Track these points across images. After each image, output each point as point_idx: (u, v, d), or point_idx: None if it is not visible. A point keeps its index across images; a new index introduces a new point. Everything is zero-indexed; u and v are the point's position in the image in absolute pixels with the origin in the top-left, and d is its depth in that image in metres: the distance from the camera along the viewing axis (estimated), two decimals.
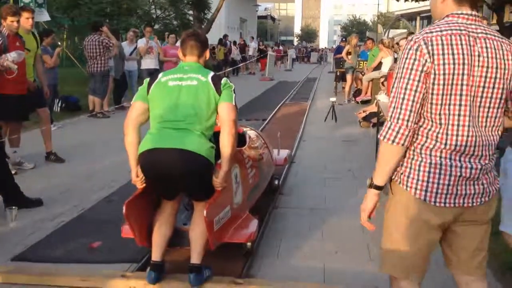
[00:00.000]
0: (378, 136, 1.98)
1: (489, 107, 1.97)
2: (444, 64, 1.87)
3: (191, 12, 21.02)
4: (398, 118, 1.93)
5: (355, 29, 69.87)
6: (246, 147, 4.14)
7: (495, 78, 1.93)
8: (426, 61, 1.89)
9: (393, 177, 2.09)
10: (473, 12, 1.97)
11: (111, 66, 10.36)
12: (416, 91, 1.91)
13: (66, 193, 5.16)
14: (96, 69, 9.79)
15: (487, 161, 2.03)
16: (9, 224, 4.23)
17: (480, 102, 1.94)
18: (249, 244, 3.62)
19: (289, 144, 7.63)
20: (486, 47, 1.92)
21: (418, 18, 54.45)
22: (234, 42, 25.31)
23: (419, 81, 1.90)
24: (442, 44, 1.89)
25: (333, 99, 9.70)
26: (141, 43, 10.30)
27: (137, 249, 3.72)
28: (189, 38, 3.24)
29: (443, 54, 1.88)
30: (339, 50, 17.07)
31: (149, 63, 10.30)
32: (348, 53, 13.29)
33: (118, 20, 15.03)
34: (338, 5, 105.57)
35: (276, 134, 5.89)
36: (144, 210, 3.32)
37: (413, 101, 1.92)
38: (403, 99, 1.93)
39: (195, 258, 3.18)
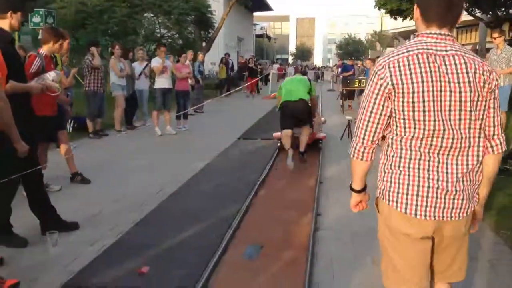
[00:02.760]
0: None
1: (460, 117, 2.00)
2: (412, 83, 1.95)
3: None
4: (356, 136, 2.13)
5: (351, 47, 70.49)
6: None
7: (469, 91, 1.97)
8: (387, 83, 1.98)
9: (377, 195, 2.21)
10: (442, 31, 2.02)
11: (118, 84, 10.31)
12: (371, 112, 2.05)
13: (98, 216, 5.07)
14: (84, 88, 9.77)
15: (465, 167, 2.04)
16: (49, 250, 4.13)
17: (449, 114, 1.98)
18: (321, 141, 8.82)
19: (310, 162, 7.60)
20: (455, 63, 1.97)
21: (411, 36, 55.04)
22: (255, 62, 26.12)
23: (374, 103, 2.03)
24: (409, 64, 1.96)
25: (349, 117, 9.70)
26: (155, 62, 10.23)
27: (186, 274, 3.65)
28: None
29: (411, 73, 1.95)
30: (346, 68, 17.21)
31: (163, 82, 10.24)
32: None
33: (124, 39, 15.00)
34: (332, 24, 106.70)
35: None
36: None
37: (368, 121, 2.06)
38: (361, 118, 2.09)
39: (302, 147, 7.60)
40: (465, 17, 29.54)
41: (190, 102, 12.24)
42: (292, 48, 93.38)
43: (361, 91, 14.82)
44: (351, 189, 2.34)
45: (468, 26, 42.77)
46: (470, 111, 1.99)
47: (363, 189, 2.33)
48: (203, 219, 4.94)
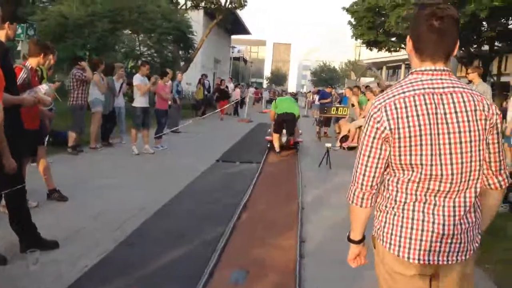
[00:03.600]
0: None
1: (462, 160, 1.93)
2: (409, 126, 1.89)
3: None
4: (354, 181, 2.05)
5: (325, 75, 71.62)
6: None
7: (468, 131, 1.91)
8: (385, 128, 1.92)
9: (373, 233, 2.12)
10: (437, 67, 1.96)
11: (100, 100, 10.17)
12: (369, 156, 1.98)
13: (78, 234, 4.94)
14: (70, 102, 9.50)
15: (462, 208, 1.97)
16: (30, 268, 3.99)
17: (451, 158, 1.91)
18: (298, 144, 12.13)
19: (290, 188, 7.62)
20: (453, 102, 1.91)
21: (384, 67, 56.41)
22: (238, 85, 27.53)
23: (371, 147, 1.97)
24: (406, 107, 1.90)
25: (328, 144, 9.79)
26: (139, 80, 10.11)
27: None
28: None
29: (407, 116, 1.89)
30: (323, 95, 17.43)
31: (143, 101, 10.15)
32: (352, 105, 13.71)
33: (103, 55, 14.88)
34: (307, 50, 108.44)
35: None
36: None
37: (365, 165, 2.00)
38: (358, 163, 2.03)
39: (286, 144, 11.68)
40: None
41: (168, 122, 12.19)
42: (267, 72, 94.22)
43: (338, 119, 15.05)
44: (349, 240, 2.21)
45: None
46: (471, 151, 1.93)
47: (362, 240, 2.20)
48: (187, 241, 4.88)
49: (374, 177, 2.01)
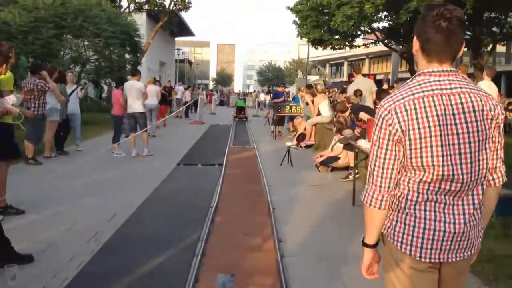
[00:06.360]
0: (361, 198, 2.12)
1: (471, 159, 1.96)
2: (419, 128, 1.91)
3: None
4: (372, 183, 2.04)
5: (270, 74, 72.17)
6: None
7: (476, 131, 1.95)
8: (396, 130, 1.93)
9: (382, 230, 2.13)
10: (444, 68, 1.98)
11: (57, 109, 9.91)
12: (385, 158, 1.99)
13: (52, 246, 4.79)
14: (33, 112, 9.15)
15: (472, 206, 2.02)
16: (8, 284, 3.85)
17: (460, 158, 1.94)
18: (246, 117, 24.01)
19: (256, 189, 7.66)
20: (461, 102, 1.93)
21: (327, 65, 57.57)
22: (189, 87, 28.07)
23: (386, 149, 1.98)
24: (415, 109, 1.92)
25: (288, 143, 9.91)
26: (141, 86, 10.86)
27: None
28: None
29: (417, 118, 1.91)
30: (277, 95, 17.59)
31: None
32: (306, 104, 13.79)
33: (49, 61, 14.44)
34: (251, 50, 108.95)
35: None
36: None
37: (382, 168, 2.00)
38: (375, 165, 2.02)
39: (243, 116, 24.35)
40: (379, 47, 31.05)
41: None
42: (212, 73, 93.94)
43: (291, 118, 15.25)
44: (364, 244, 2.16)
45: (381, 56, 45.35)
46: (479, 150, 1.96)
47: (377, 244, 2.16)
48: (165, 247, 4.83)
49: (391, 178, 2.01)
